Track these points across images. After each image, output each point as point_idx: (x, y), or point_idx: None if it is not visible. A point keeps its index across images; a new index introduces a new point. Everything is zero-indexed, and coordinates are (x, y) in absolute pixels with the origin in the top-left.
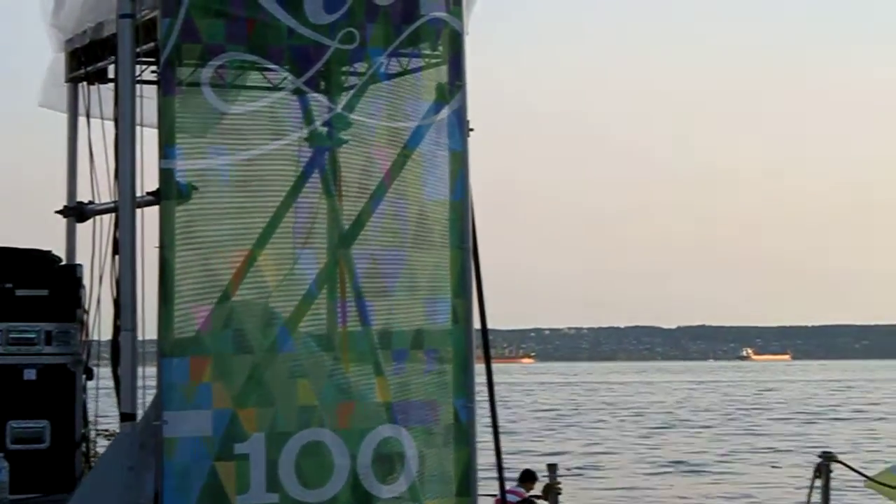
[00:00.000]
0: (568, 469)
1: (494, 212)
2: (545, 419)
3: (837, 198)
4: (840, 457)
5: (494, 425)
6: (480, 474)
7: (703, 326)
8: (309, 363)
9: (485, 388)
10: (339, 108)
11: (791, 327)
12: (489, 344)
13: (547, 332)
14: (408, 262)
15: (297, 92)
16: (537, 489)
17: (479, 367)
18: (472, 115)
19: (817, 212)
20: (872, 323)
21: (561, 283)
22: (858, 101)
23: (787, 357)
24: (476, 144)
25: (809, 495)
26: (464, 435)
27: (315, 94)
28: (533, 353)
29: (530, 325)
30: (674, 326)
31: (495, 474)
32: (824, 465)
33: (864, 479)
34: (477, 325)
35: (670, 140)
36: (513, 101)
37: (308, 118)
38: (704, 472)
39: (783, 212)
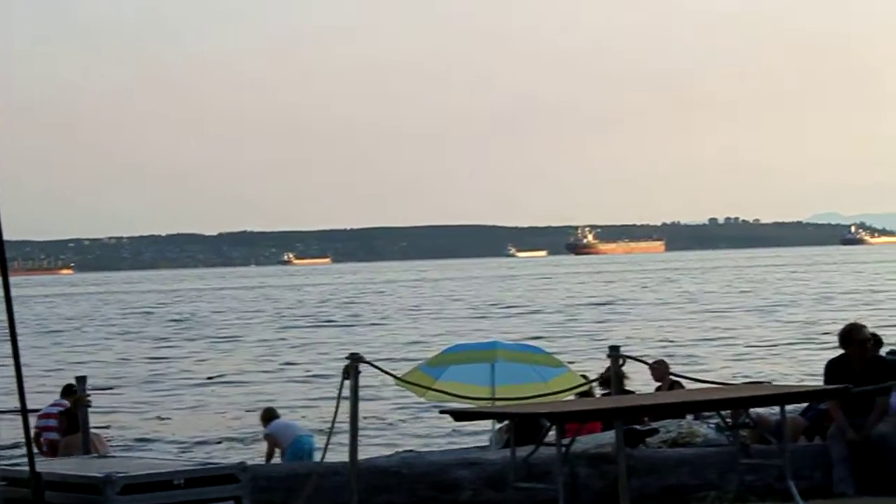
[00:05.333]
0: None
1: (38, 117)
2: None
3: (372, 111)
4: (370, 358)
5: (13, 338)
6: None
7: (244, 232)
8: None
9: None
10: None
11: (330, 231)
12: (6, 258)
13: (87, 242)
14: None
15: None
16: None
17: None
18: None
19: (360, 121)
20: (409, 225)
21: (95, 193)
22: None
23: (327, 260)
24: None
25: (339, 397)
26: None
27: None
28: (72, 264)
29: (69, 236)
30: (215, 233)
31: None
32: (353, 366)
33: (394, 378)
34: None
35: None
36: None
37: None
38: (240, 384)
39: (311, 119)
